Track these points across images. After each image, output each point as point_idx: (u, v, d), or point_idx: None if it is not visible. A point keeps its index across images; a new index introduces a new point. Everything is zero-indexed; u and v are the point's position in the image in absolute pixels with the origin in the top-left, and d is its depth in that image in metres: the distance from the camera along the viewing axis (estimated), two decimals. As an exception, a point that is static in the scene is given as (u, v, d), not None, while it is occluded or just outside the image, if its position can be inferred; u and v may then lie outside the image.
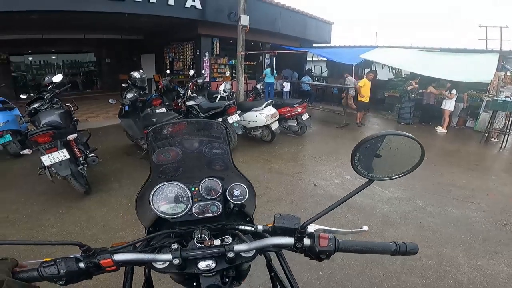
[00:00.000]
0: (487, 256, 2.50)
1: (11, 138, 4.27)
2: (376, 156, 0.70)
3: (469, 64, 7.37)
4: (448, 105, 7.41)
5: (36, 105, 3.68)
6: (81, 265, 0.63)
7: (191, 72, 7.07)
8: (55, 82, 3.88)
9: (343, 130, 7.33)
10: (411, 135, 0.66)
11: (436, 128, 7.64)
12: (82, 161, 3.28)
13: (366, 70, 9.81)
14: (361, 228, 0.83)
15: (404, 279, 2.19)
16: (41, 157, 2.86)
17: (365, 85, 7.47)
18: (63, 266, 0.61)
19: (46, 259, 0.62)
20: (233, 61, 10.29)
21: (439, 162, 4.95)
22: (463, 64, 7.50)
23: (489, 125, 6.61)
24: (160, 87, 7.09)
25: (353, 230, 0.83)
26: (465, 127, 8.29)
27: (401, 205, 3.37)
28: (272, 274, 0.94)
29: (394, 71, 10.60)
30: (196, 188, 0.89)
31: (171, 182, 0.86)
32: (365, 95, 7.51)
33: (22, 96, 4.44)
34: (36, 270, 0.60)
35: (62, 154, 2.90)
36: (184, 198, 0.86)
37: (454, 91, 7.30)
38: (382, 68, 10.50)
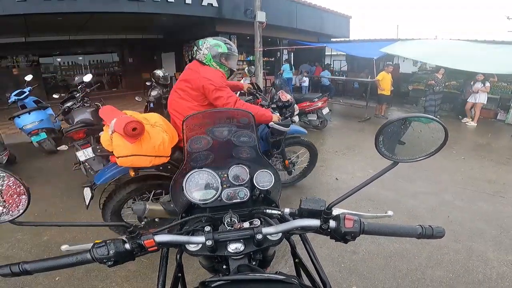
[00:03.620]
0: (519, 251, 2.41)
1: (46, 136, 4.53)
2: (399, 143, 0.72)
3: (499, 56, 6.97)
4: (483, 98, 7.09)
5: (69, 104, 3.90)
6: (127, 246, 0.67)
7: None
8: (85, 82, 4.08)
9: (364, 124, 7.19)
10: (434, 117, 0.67)
11: (465, 122, 7.34)
12: (112, 156, 3.46)
13: (387, 63, 9.55)
14: (386, 213, 0.83)
15: (429, 273, 2.15)
16: (77, 153, 3.04)
17: (384, 78, 7.31)
18: (112, 247, 0.65)
19: (97, 241, 0.67)
20: (251, 58, 10.32)
21: (468, 156, 4.77)
22: (493, 55, 7.11)
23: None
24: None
25: (377, 214, 0.83)
26: (496, 120, 7.89)
27: (428, 199, 3.29)
28: (296, 260, 0.96)
29: (418, 64, 10.22)
30: (225, 175, 0.93)
31: (203, 169, 0.91)
32: (385, 88, 7.36)
33: (55, 96, 4.71)
34: (89, 252, 0.65)
35: (95, 150, 3.07)
36: (214, 185, 0.90)
37: (488, 84, 6.99)
38: (404, 61, 10.17)
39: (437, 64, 7.75)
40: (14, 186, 0.64)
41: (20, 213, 0.65)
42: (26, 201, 0.65)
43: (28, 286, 2.05)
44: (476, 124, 7.14)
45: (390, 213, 0.84)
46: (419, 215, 2.97)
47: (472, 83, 7.17)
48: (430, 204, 3.20)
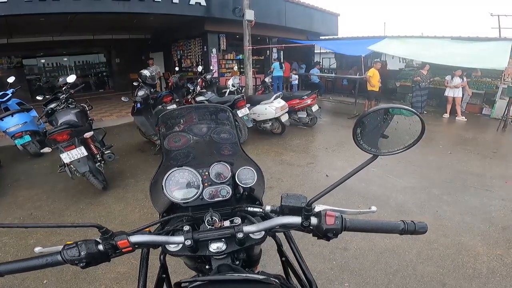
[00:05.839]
0: (507, 245, 2.44)
1: (30, 139, 4.40)
2: (383, 137, 0.71)
3: (482, 52, 7.16)
4: (462, 92, 7.41)
5: (52, 106, 3.78)
6: (100, 247, 0.64)
7: (199, 69, 7.11)
8: (69, 83, 3.97)
9: (354, 120, 7.23)
10: (410, 108, 0.66)
11: (456, 118, 7.48)
12: (99, 158, 3.38)
13: (375, 60, 9.66)
14: (370, 208, 0.80)
15: (420, 269, 2.17)
16: (61, 155, 2.95)
17: (374, 75, 7.39)
18: (83, 248, 0.62)
19: (68, 242, 0.64)
20: (240, 56, 10.27)
21: (455, 150, 4.85)
22: (476, 51, 7.29)
23: (506, 112, 6.43)
24: (170, 84, 7.16)
25: (361, 210, 0.81)
26: (481, 114, 8.07)
27: (416, 194, 3.33)
28: (283, 258, 0.94)
29: (405, 61, 10.37)
30: (206, 173, 0.90)
31: (182, 168, 0.88)
32: (375, 85, 7.45)
33: (38, 98, 4.54)
34: (59, 253, 0.62)
35: (80, 151, 2.99)
36: (195, 183, 0.88)
37: (465, 79, 7.31)
38: (393, 58, 10.30)
39: (423, 61, 7.88)
40: None
41: None
42: None
43: (13, 292, 1.98)
44: (464, 119, 7.28)
45: (373, 208, 0.81)
46: (408, 211, 3.00)
47: (450, 78, 7.41)
48: (418, 199, 3.24)
